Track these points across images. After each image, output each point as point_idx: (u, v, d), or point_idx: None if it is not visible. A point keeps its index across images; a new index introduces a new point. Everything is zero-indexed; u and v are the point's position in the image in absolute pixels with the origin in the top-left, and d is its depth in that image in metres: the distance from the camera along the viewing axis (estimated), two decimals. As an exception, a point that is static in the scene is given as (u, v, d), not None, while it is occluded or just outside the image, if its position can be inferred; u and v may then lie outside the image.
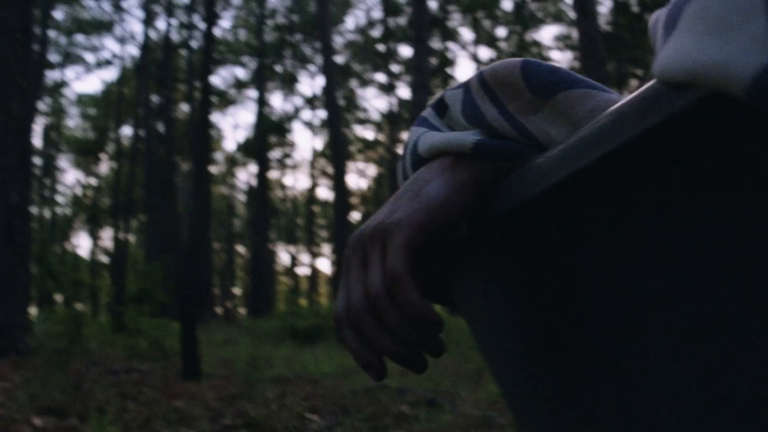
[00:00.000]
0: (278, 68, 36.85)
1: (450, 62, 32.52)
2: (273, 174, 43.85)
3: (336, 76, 15.56)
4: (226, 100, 39.87)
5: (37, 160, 38.81)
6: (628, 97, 0.48)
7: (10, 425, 3.86)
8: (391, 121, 33.62)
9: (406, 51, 34.48)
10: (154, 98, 26.60)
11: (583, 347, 0.61)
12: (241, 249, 48.72)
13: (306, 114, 52.62)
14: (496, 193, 0.67)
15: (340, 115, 15.69)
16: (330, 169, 46.21)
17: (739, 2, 0.35)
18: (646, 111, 0.44)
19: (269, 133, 34.64)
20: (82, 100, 44.95)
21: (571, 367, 0.64)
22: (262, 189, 31.32)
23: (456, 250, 0.77)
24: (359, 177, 47.76)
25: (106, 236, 44.19)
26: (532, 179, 0.60)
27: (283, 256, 54.89)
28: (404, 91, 37.85)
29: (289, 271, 53.35)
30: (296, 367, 7.85)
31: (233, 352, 10.46)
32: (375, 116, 40.09)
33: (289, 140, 42.98)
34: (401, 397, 5.36)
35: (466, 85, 0.77)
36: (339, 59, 33.42)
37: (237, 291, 49.71)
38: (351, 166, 42.44)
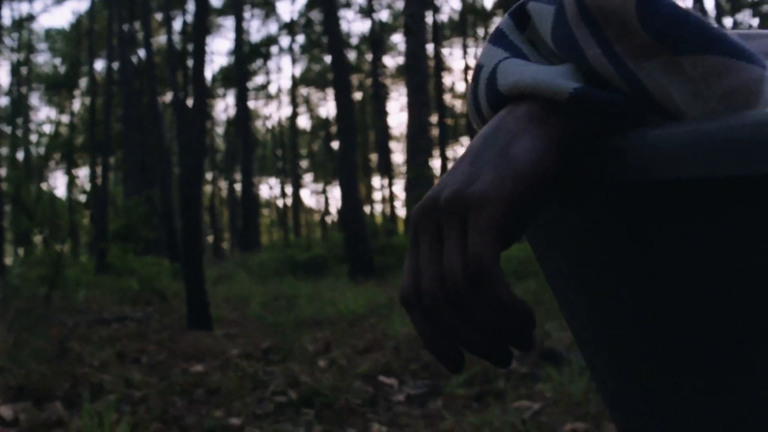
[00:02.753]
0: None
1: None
2: (251, 104, 42.49)
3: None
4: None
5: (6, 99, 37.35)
6: None
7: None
8: (373, 45, 32.14)
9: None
10: (127, 28, 25.08)
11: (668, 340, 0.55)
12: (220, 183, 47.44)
13: (284, 41, 50.66)
14: (606, 156, 0.53)
15: (339, 30, 14.45)
16: (313, 97, 44.91)
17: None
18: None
19: (249, 59, 33.33)
20: (51, 35, 43.19)
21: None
22: (243, 119, 29.83)
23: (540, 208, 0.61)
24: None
25: (83, 175, 42.81)
26: (671, 160, 0.46)
27: (263, 188, 53.69)
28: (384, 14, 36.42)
29: (270, 204, 52.38)
30: (323, 306, 6.58)
31: (235, 290, 9.27)
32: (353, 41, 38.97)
33: (268, 67, 41.64)
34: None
35: (559, 5, 0.60)
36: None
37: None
38: (329, 92, 41.19)
